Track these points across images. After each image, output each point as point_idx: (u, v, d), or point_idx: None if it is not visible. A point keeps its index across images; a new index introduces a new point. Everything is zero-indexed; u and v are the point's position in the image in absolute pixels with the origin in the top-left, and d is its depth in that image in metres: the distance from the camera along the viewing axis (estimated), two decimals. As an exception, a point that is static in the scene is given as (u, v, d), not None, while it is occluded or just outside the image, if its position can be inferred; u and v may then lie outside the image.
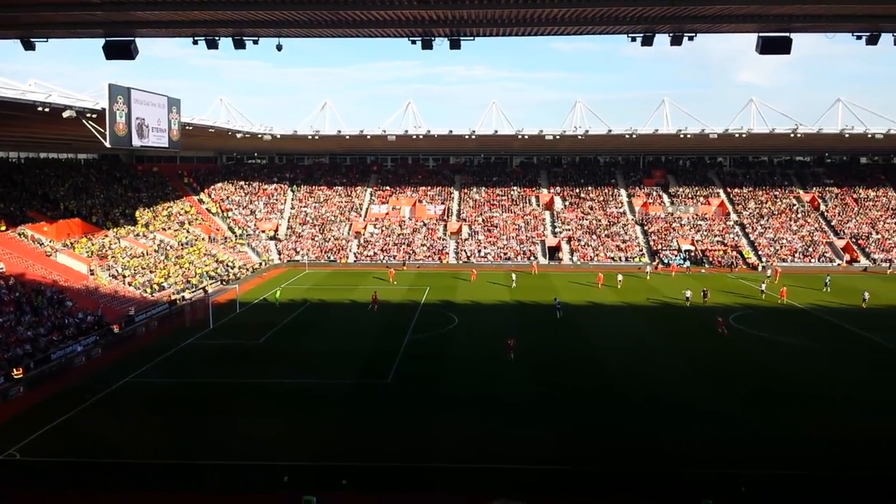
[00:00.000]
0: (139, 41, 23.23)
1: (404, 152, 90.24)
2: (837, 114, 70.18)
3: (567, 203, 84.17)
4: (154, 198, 75.39)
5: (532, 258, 73.44)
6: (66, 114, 39.71)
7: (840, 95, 74.54)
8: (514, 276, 61.89)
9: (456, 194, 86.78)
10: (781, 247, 74.18)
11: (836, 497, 20.99)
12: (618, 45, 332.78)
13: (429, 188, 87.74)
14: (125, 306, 46.83)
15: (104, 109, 39.91)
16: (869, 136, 68.23)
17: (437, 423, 27.24)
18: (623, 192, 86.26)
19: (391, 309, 49.39)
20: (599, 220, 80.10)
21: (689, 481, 21.94)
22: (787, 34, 22.54)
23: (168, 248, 63.51)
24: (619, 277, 60.06)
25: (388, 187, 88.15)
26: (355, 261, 74.20)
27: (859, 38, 23.54)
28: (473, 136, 71.46)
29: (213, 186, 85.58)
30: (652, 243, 75.72)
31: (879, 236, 75.63)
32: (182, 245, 65.76)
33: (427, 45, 23.68)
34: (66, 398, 30.39)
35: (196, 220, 75.39)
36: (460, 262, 73.47)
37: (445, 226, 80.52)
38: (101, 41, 23.12)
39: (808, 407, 28.83)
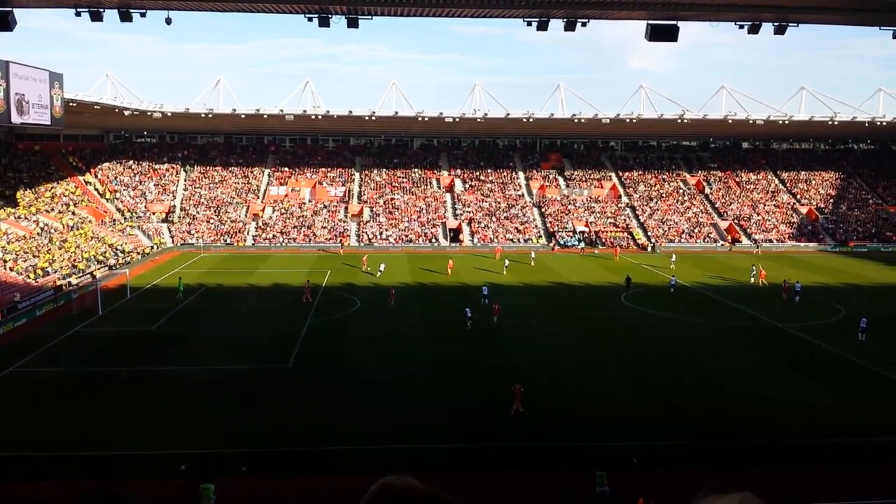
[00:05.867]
0: (17, 11, 21.90)
1: (303, 132, 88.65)
2: (721, 100, 73.93)
3: (467, 185, 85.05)
4: (36, 178, 71.23)
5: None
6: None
7: (724, 83, 78.31)
8: (382, 265, 56.84)
9: (357, 176, 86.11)
10: (669, 228, 77.57)
11: (719, 465, 22.28)
12: (516, 29, 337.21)
13: (329, 170, 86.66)
14: (8, 293, 44.26)
15: (-22, 84, 37.50)
16: (750, 121, 72.23)
17: (338, 405, 27.14)
18: (521, 174, 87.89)
19: (291, 293, 48.69)
20: (499, 203, 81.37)
21: (582, 454, 22.73)
22: (674, 22, 23.57)
23: (52, 231, 60.30)
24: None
25: (286, 168, 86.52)
26: (253, 244, 72.66)
27: (742, 27, 24.88)
28: (373, 118, 71.09)
29: (99, 166, 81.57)
30: (549, 225, 77.63)
31: (760, 217, 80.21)
32: (68, 228, 62.58)
33: (324, 23, 23.35)
34: (-60, 391, 28.55)
35: (82, 201, 71.78)
36: (362, 244, 73.15)
37: (346, 208, 79.87)
38: (-27, 10, 21.68)
39: (695, 381, 30.47)
